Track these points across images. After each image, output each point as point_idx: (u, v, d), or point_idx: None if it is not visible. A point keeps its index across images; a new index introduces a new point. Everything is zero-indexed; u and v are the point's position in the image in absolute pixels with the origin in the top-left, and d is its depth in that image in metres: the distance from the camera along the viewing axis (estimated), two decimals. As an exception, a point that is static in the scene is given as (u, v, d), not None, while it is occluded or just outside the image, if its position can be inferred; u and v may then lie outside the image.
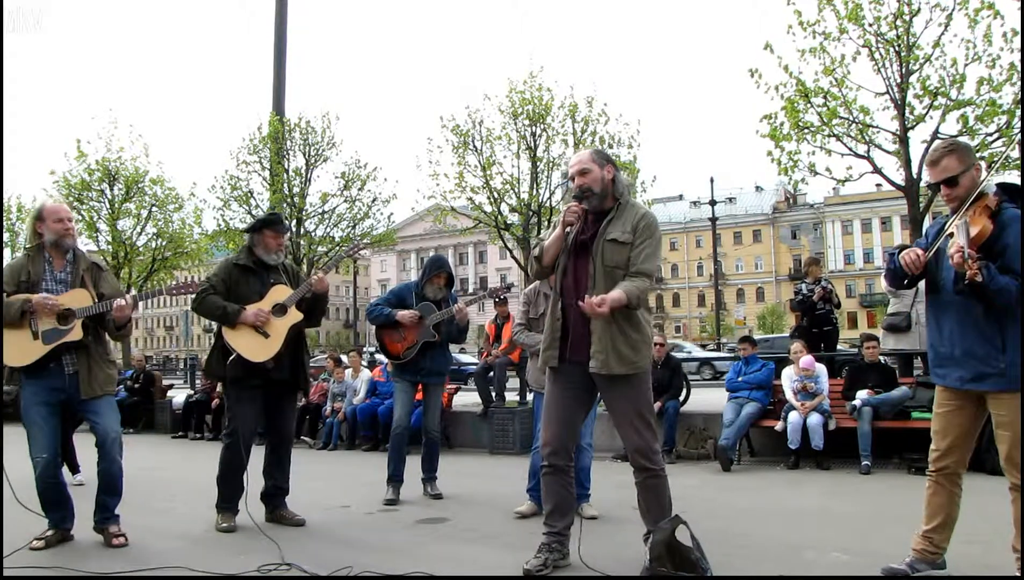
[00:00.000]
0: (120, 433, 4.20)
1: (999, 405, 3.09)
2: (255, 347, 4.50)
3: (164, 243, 16.65)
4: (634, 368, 3.38)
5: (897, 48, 8.88)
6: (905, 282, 3.35)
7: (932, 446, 3.29)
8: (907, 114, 8.93)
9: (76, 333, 4.03)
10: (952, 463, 3.24)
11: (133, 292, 4.18)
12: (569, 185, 3.61)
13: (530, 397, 4.70)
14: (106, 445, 4.10)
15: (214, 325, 4.74)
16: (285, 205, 14.01)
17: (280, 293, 4.61)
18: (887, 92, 9.05)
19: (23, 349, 3.96)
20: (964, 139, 8.34)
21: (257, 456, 4.80)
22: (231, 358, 4.49)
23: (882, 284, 8.19)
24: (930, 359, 3.33)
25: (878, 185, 12.99)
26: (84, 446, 5.63)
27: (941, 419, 3.27)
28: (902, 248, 3.39)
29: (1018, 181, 9.36)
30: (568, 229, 3.45)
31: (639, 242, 3.41)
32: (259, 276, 4.68)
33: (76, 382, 4.07)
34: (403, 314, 5.51)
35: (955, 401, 3.22)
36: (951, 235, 3.08)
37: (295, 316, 4.61)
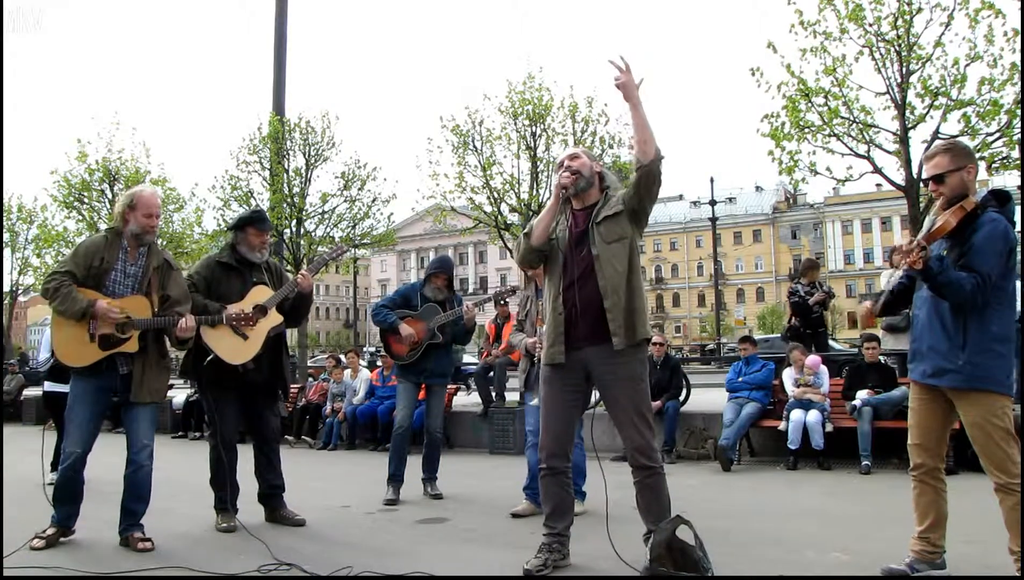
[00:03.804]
0: (152, 442, 4.20)
1: (962, 404, 3.14)
2: (234, 349, 4.45)
3: (164, 243, 16.61)
4: (645, 333, 3.49)
5: (898, 48, 8.86)
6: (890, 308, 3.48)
7: (908, 441, 3.36)
8: (908, 114, 8.91)
9: (132, 345, 4.02)
10: (928, 460, 3.29)
11: (191, 316, 4.15)
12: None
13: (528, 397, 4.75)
14: (134, 451, 4.11)
15: None
16: (285, 205, 14.00)
17: (261, 294, 4.57)
18: (888, 92, 9.03)
19: (79, 350, 3.98)
20: (965, 139, 8.34)
21: (249, 457, 4.81)
22: (208, 359, 4.44)
23: (865, 286, 8.21)
24: (908, 355, 3.40)
25: (878, 185, 12.97)
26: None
27: (914, 414, 3.35)
28: (897, 247, 3.43)
29: (1018, 181, 9.36)
30: (562, 192, 3.52)
31: (632, 185, 3.48)
32: (241, 275, 4.64)
33: (128, 382, 4.08)
34: (404, 329, 5.52)
35: (925, 396, 3.29)
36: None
37: (275, 318, 4.58)
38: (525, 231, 3.66)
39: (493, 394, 8.89)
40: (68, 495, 4.12)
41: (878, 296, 3.48)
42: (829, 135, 9.19)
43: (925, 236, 3.08)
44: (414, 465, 5.67)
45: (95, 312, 3.92)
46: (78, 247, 4.17)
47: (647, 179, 3.39)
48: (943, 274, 3.02)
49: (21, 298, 27.50)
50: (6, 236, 19.91)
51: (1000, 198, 3.19)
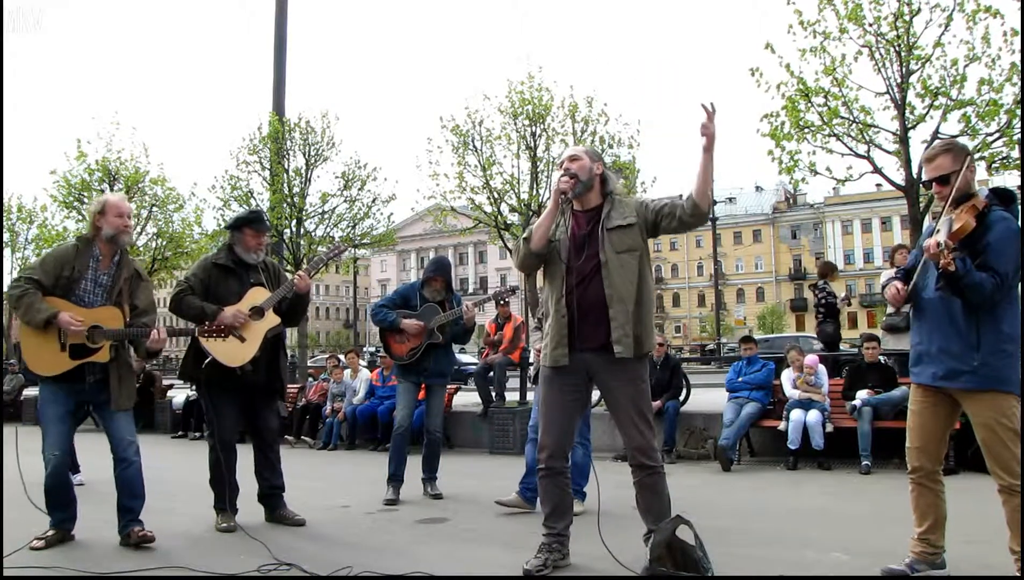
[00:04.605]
0: (136, 438, 4.20)
1: (973, 404, 3.11)
2: (231, 351, 4.44)
3: (164, 243, 16.63)
4: (650, 346, 3.51)
5: (897, 48, 8.87)
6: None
7: (907, 443, 3.33)
8: (907, 114, 8.92)
9: (103, 355, 4.01)
10: (927, 463, 3.27)
11: (163, 328, 4.14)
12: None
13: (530, 396, 4.79)
14: (121, 449, 4.11)
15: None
16: (285, 205, 14.01)
17: (258, 295, 4.56)
18: (887, 92, 9.04)
19: (49, 359, 3.97)
20: (965, 139, 8.34)
21: (249, 457, 4.81)
22: (207, 361, 4.44)
23: (865, 286, 8.32)
24: (910, 358, 3.36)
25: (878, 185, 12.99)
26: (85, 447, 5.63)
27: (915, 417, 3.31)
28: (898, 247, 3.41)
29: (1018, 181, 9.35)
30: (561, 196, 3.49)
31: (656, 204, 3.51)
32: (238, 276, 4.63)
33: (98, 389, 4.08)
34: (408, 323, 5.51)
35: (929, 399, 3.26)
36: (938, 232, 3.10)
37: (272, 320, 4.57)
38: (524, 236, 3.63)
39: (493, 394, 8.89)
40: (60, 499, 4.11)
41: (904, 279, 3.34)
42: (829, 135, 9.20)
43: (949, 236, 3.01)
44: (414, 465, 5.67)
45: (58, 323, 3.90)
46: (47, 256, 4.16)
47: (694, 222, 3.43)
48: (968, 275, 2.97)
49: (21, 298, 27.46)
50: (6, 236, 19.88)
51: (1004, 198, 3.18)
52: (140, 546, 4.05)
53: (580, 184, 3.52)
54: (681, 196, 3.46)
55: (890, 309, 7.67)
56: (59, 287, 4.01)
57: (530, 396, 4.66)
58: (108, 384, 4.07)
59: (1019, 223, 3.11)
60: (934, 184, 3.24)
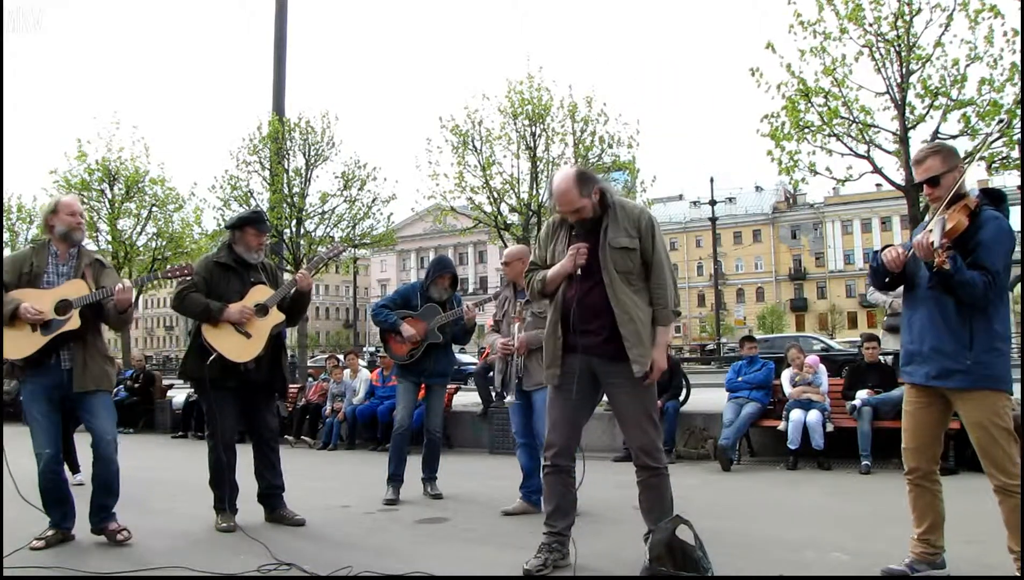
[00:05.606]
0: (116, 434, 4.20)
1: (965, 404, 3.11)
2: (237, 347, 4.44)
3: (164, 243, 16.62)
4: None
5: (898, 48, 8.87)
6: (887, 281, 3.36)
7: (903, 444, 3.33)
8: (908, 114, 8.91)
9: (74, 322, 4.02)
10: (923, 464, 3.28)
11: (127, 280, 4.16)
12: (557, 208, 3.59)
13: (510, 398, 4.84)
14: (100, 446, 4.10)
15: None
16: (285, 205, 14.00)
17: (261, 293, 4.57)
18: (887, 92, 9.03)
19: (22, 341, 3.97)
20: (965, 139, 8.35)
21: (249, 457, 4.81)
22: (211, 358, 4.43)
23: (865, 286, 8.34)
24: (901, 358, 3.35)
25: (878, 185, 12.97)
26: (84, 445, 5.63)
27: (909, 418, 3.31)
28: (886, 247, 3.39)
29: (1018, 181, 9.33)
30: (578, 271, 3.45)
31: (650, 251, 3.47)
32: (240, 275, 4.63)
33: (72, 377, 4.06)
34: (407, 330, 5.51)
35: (922, 398, 3.25)
36: (930, 231, 3.10)
37: (277, 317, 4.58)
38: (538, 289, 3.59)
39: (493, 394, 8.88)
40: (55, 497, 4.12)
41: (908, 249, 3.27)
42: (829, 135, 9.19)
43: (944, 235, 3.01)
44: (414, 465, 5.67)
45: (20, 314, 3.92)
46: (4, 259, 4.19)
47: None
48: (959, 273, 2.98)
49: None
50: (6, 236, 19.87)
51: (994, 197, 3.19)
52: (122, 544, 4.07)
53: (589, 221, 3.49)
54: (667, 293, 3.48)
55: (889, 309, 7.67)
56: (22, 284, 4.06)
57: (511, 399, 4.72)
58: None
59: (1010, 222, 3.12)
60: (925, 186, 3.25)
